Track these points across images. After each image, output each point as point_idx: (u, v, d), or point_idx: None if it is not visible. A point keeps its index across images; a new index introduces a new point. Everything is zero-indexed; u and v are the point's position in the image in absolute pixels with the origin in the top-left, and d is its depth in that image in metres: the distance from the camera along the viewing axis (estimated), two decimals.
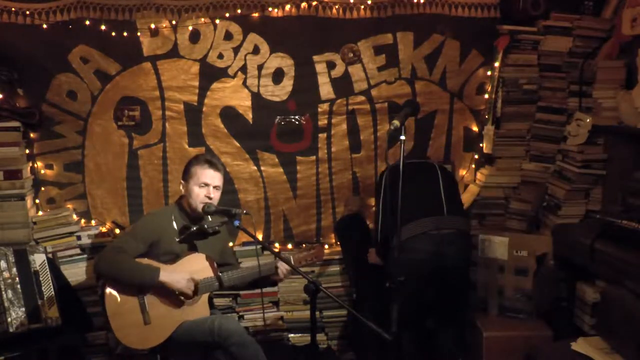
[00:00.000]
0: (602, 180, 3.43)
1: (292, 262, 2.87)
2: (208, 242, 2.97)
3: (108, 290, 2.72)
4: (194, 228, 2.88)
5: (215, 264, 2.92)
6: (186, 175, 2.93)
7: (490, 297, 3.36)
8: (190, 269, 2.82)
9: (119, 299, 2.72)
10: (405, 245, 2.87)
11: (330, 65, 3.67)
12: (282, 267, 2.92)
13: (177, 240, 2.88)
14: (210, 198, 2.87)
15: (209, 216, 2.93)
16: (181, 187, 2.96)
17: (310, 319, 2.43)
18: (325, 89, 3.69)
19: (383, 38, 3.68)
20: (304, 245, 3.55)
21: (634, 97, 3.06)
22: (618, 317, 2.62)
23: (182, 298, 2.79)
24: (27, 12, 3.36)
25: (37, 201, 3.56)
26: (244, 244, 3.67)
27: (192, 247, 2.92)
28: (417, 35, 3.69)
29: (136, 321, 2.72)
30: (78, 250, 3.48)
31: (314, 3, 3.56)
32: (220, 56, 3.59)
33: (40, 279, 3.15)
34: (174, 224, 2.90)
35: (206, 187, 2.88)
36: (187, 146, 3.65)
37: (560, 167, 3.58)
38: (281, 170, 3.75)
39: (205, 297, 2.86)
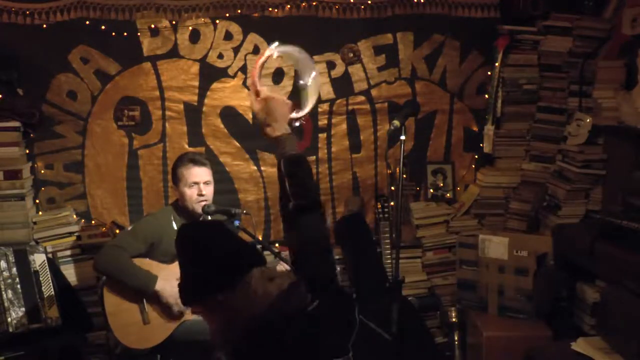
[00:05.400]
0: (602, 180, 3.43)
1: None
2: None
3: (107, 288, 2.72)
4: None
5: None
6: (174, 178, 2.94)
7: (490, 297, 3.36)
8: None
9: (118, 298, 2.72)
10: None
11: (330, 65, 3.67)
12: (282, 268, 2.91)
13: None
14: (202, 195, 2.85)
15: (209, 216, 2.93)
16: (174, 191, 2.97)
17: None
18: (325, 89, 3.69)
19: (383, 38, 3.68)
20: None
21: (634, 97, 3.06)
22: (618, 317, 2.61)
23: None
24: (27, 12, 3.36)
25: (37, 201, 3.56)
26: None
27: None
28: (417, 35, 3.69)
29: (135, 321, 2.72)
30: (78, 250, 3.47)
31: (314, 3, 3.56)
32: (220, 56, 3.58)
33: (40, 279, 3.15)
34: (174, 225, 2.89)
35: (196, 185, 2.87)
36: (187, 146, 3.64)
37: (560, 167, 3.57)
38: None
39: None
